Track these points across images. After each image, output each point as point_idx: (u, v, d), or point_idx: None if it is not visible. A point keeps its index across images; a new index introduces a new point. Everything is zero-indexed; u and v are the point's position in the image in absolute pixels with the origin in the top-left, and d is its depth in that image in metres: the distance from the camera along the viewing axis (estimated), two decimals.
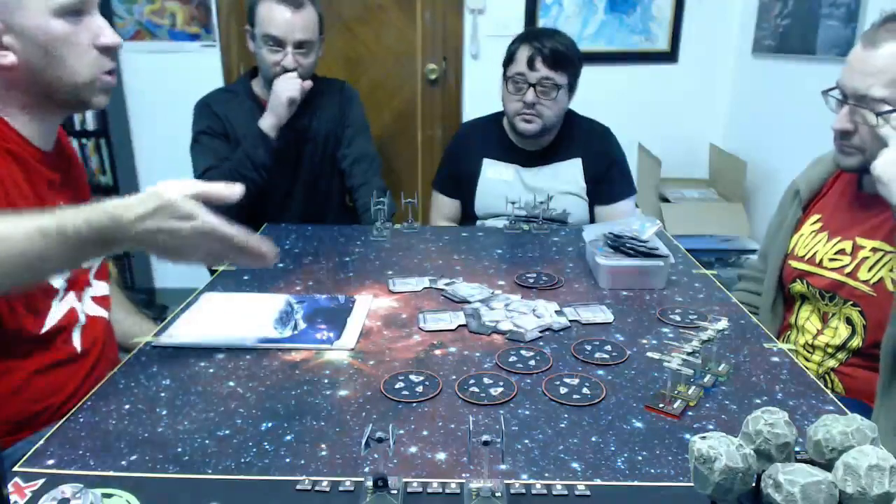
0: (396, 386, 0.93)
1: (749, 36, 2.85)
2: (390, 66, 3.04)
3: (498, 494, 0.69)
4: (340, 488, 0.72)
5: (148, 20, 2.93)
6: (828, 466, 0.56)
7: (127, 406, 0.89)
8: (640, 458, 0.78)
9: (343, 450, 0.79)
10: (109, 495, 0.70)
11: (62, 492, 0.65)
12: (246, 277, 1.35)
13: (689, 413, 0.87)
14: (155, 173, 3.09)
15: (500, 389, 0.92)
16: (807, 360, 1.32)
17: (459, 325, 1.12)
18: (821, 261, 1.31)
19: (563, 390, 0.92)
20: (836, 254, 1.29)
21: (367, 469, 0.75)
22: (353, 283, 1.32)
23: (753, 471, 0.57)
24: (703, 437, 0.58)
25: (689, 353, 0.95)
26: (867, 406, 1.19)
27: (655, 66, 3.03)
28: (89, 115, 2.84)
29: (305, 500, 0.71)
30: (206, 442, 0.81)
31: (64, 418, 0.86)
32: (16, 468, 0.75)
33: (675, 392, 0.90)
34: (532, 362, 1.00)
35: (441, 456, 0.78)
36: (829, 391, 0.94)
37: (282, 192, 1.94)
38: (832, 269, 1.28)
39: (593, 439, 0.82)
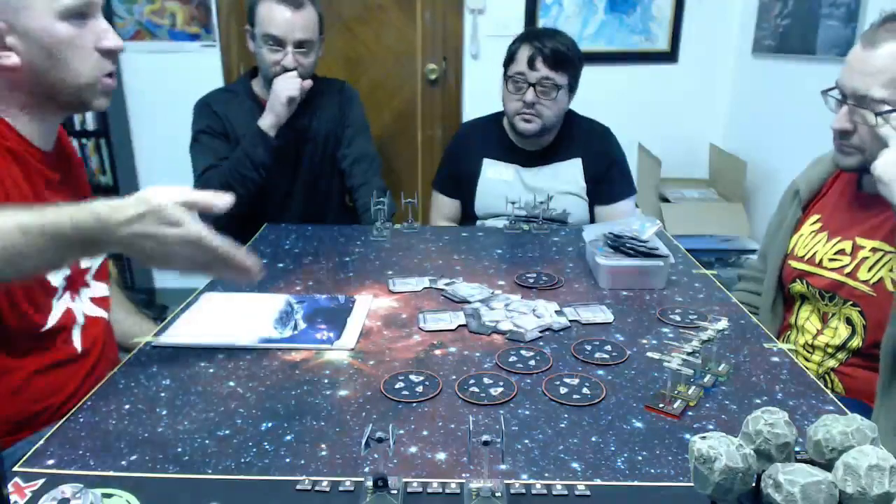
0: (396, 386, 0.93)
1: (749, 36, 2.85)
2: (390, 66, 3.04)
3: (498, 494, 0.69)
4: (340, 488, 0.72)
5: (148, 20, 2.93)
6: (828, 466, 0.56)
7: (127, 406, 0.89)
8: (640, 458, 0.78)
9: (343, 450, 0.79)
10: (109, 495, 0.70)
11: (62, 492, 0.65)
12: None
13: (689, 413, 0.87)
14: (155, 173, 3.09)
15: (500, 389, 0.92)
16: (807, 360, 1.32)
17: (459, 325, 1.12)
18: (820, 261, 1.31)
19: (563, 390, 0.92)
20: (835, 254, 1.29)
21: (367, 469, 0.75)
22: (353, 283, 1.32)
23: (753, 471, 0.57)
24: (703, 437, 0.58)
25: (689, 353, 0.95)
26: (867, 406, 1.19)
27: (655, 66, 3.03)
28: (89, 115, 2.84)
29: (305, 500, 0.71)
30: (206, 442, 0.81)
31: (64, 418, 0.86)
32: (16, 468, 0.75)
33: (675, 392, 0.90)
34: (532, 362, 1.00)
35: (441, 456, 0.78)
36: (829, 391, 0.94)
37: (282, 192, 1.94)
38: (832, 269, 1.28)
39: (593, 439, 0.82)
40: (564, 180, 1.87)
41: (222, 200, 0.89)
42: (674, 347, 0.99)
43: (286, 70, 1.78)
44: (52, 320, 1.03)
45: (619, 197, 1.89)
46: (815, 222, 1.37)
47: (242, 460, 0.77)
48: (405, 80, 3.06)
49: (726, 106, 3.08)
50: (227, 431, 0.83)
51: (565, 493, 0.72)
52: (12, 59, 0.95)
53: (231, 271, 0.91)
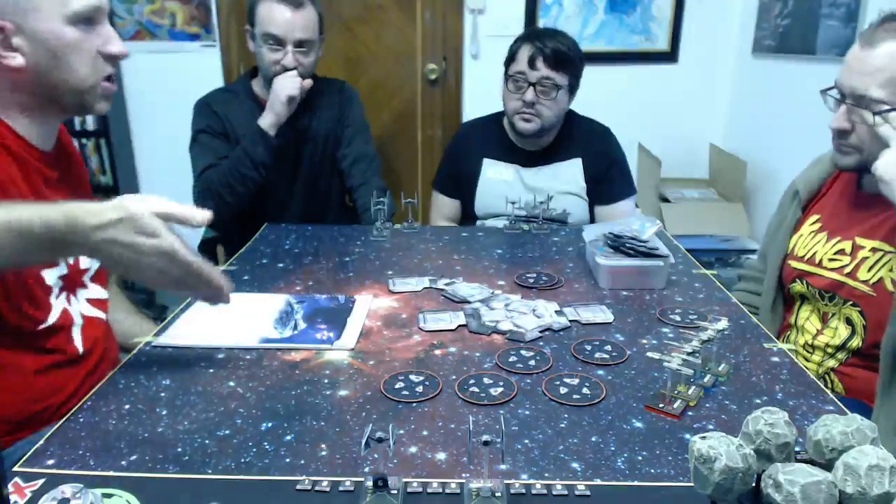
0: (396, 386, 0.93)
1: (749, 36, 2.85)
2: (390, 66, 3.05)
3: (498, 494, 0.69)
4: (340, 488, 0.72)
5: (148, 20, 2.93)
6: (828, 466, 0.56)
7: (127, 406, 0.89)
8: (640, 458, 0.78)
9: (343, 450, 0.79)
10: (109, 495, 0.70)
11: (62, 492, 0.65)
12: (246, 277, 1.35)
13: (689, 413, 0.87)
14: (155, 173, 3.09)
15: (500, 389, 0.92)
16: (807, 360, 1.32)
17: (459, 325, 1.12)
18: (820, 261, 1.31)
19: (563, 390, 0.92)
20: (835, 254, 1.29)
21: (367, 469, 0.75)
22: (353, 283, 1.32)
23: (753, 471, 0.57)
24: (703, 437, 0.58)
25: (689, 353, 0.95)
26: (867, 406, 1.19)
27: (655, 66, 3.03)
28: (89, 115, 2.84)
29: (305, 500, 0.71)
30: (206, 442, 0.81)
31: (64, 418, 0.86)
32: (16, 468, 0.75)
33: (675, 392, 0.90)
34: (532, 362, 1.00)
35: (441, 456, 0.78)
36: (829, 391, 0.94)
37: (282, 191, 1.94)
38: (832, 270, 1.28)
39: (593, 439, 0.82)
40: (564, 180, 1.87)
41: (201, 215, 0.87)
42: (674, 347, 0.99)
43: (286, 69, 1.78)
44: (52, 318, 1.03)
45: (619, 197, 1.89)
46: (814, 222, 1.37)
47: (242, 460, 0.77)
48: (405, 80, 3.06)
49: (726, 106, 3.08)
50: (227, 431, 0.83)
51: (565, 493, 0.72)
52: (17, 60, 0.96)
53: (202, 290, 0.90)
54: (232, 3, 2.91)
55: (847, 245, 1.28)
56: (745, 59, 2.92)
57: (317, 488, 0.72)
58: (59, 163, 1.10)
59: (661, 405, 0.88)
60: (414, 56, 3.02)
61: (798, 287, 1.35)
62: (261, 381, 0.95)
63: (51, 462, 0.77)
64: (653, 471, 0.76)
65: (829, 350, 1.29)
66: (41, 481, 0.72)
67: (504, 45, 1.86)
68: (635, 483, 0.74)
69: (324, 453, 0.78)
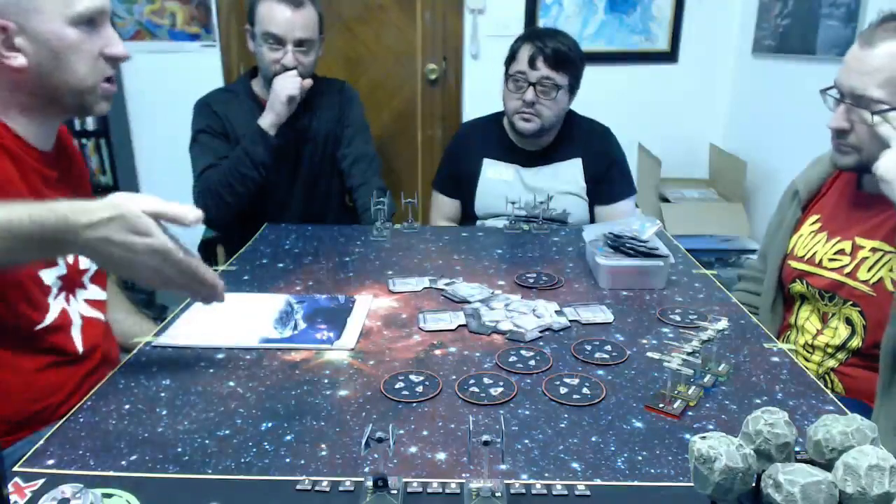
0: (396, 386, 0.93)
1: (749, 36, 2.85)
2: (390, 66, 3.04)
3: (498, 494, 0.69)
4: (340, 488, 0.72)
5: (148, 20, 2.93)
6: (828, 466, 0.56)
7: (127, 406, 0.89)
8: (640, 458, 0.78)
9: (343, 450, 0.79)
10: (109, 495, 0.70)
11: (62, 492, 0.65)
12: (246, 277, 1.35)
13: (689, 413, 0.87)
14: (155, 173, 3.09)
15: (500, 389, 0.92)
16: (807, 360, 1.32)
17: (459, 325, 1.12)
18: (820, 261, 1.31)
19: (563, 390, 0.92)
20: (835, 254, 1.29)
21: (367, 469, 0.75)
22: (353, 283, 1.32)
23: (753, 471, 0.57)
24: (703, 437, 0.58)
25: (689, 353, 0.95)
26: (867, 406, 1.19)
27: (655, 66, 3.03)
28: None
29: (305, 500, 0.71)
30: (206, 442, 0.81)
31: (64, 418, 0.86)
32: (16, 468, 0.75)
33: (675, 392, 0.90)
34: (532, 362, 1.00)
35: (441, 456, 0.78)
36: (829, 391, 0.94)
37: (282, 191, 1.94)
38: (832, 270, 1.28)
39: (593, 439, 0.82)
40: (564, 180, 1.87)
41: (193, 214, 0.87)
42: (674, 347, 0.99)
43: (286, 69, 1.78)
44: (49, 319, 1.03)
45: (619, 197, 1.89)
46: (814, 222, 1.37)
47: (242, 460, 0.77)
48: (405, 80, 3.06)
49: (726, 106, 3.08)
50: (227, 431, 0.83)
51: (565, 493, 0.72)
52: (19, 60, 0.96)
53: (195, 288, 0.90)
54: (232, 3, 2.91)
55: (847, 245, 1.28)
56: (745, 59, 2.91)
57: (317, 488, 0.72)
58: (60, 163, 1.10)
59: (661, 405, 0.88)
60: (414, 56, 3.02)
61: (798, 287, 1.35)
62: (261, 381, 0.95)
63: (51, 462, 0.77)
64: (653, 471, 0.76)
65: (829, 350, 1.29)
66: (41, 481, 0.72)
67: (504, 45, 1.86)
68: (635, 483, 0.74)
69: (324, 453, 0.78)
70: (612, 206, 1.88)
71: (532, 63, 1.73)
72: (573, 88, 1.82)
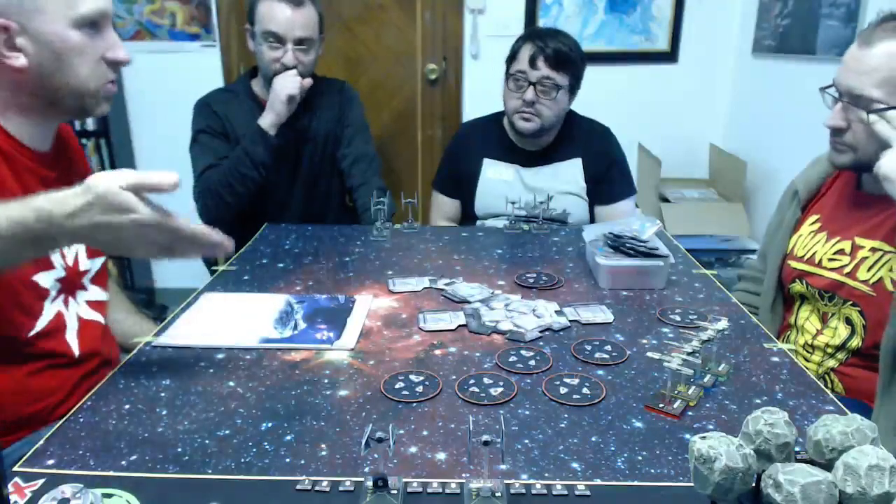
0: (396, 386, 0.93)
1: (749, 36, 2.85)
2: (390, 66, 3.04)
3: (498, 494, 0.69)
4: (340, 488, 0.72)
5: (148, 20, 2.93)
6: (828, 466, 0.56)
7: (127, 406, 0.89)
8: (640, 458, 0.78)
9: (343, 450, 0.79)
10: (109, 495, 0.70)
11: (62, 492, 0.65)
12: (246, 278, 1.35)
13: (689, 413, 0.87)
14: None
15: (500, 389, 0.92)
16: (806, 360, 1.32)
17: (459, 325, 1.12)
18: (820, 261, 1.31)
19: (563, 390, 0.92)
20: (835, 254, 1.29)
21: (367, 469, 0.75)
22: (353, 283, 1.32)
23: (753, 471, 0.57)
24: (703, 437, 0.58)
25: (689, 353, 0.95)
26: (867, 406, 1.19)
27: (655, 66, 3.03)
28: None
29: (305, 500, 0.71)
30: (206, 442, 0.81)
31: (64, 418, 0.85)
32: (16, 468, 0.75)
33: (675, 392, 0.90)
34: (532, 362, 1.00)
35: (441, 456, 0.78)
36: (829, 391, 0.94)
37: (282, 192, 1.94)
38: (831, 269, 1.28)
39: (593, 439, 0.82)
40: (564, 180, 1.87)
41: (169, 178, 0.82)
42: (674, 347, 0.99)
43: (286, 67, 1.78)
44: (42, 324, 1.03)
45: (619, 197, 1.89)
46: (814, 222, 1.37)
47: (242, 460, 0.77)
48: (405, 80, 3.06)
49: (726, 106, 3.08)
50: (227, 431, 0.83)
51: (565, 493, 0.72)
52: (20, 60, 0.96)
53: (196, 250, 0.88)
54: (232, 3, 2.91)
55: (846, 245, 1.28)
56: (745, 59, 2.91)
57: (317, 488, 0.72)
58: (59, 163, 1.10)
59: (661, 405, 0.88)
60: (414, 56, 3.02)
61: (798, 287, 1.35)
62: (261, 381, 0.95)
63: (51, 462, 0.77)
64: (653, 471, 0.76)
65: (829, 350, 1.29)
66: (41, 481, 0.72)
67: (504, 45, 1.86)
68: (635, 483, 0.74)
69: (324, 453, 0.78)
70: (612, 206, 1.88)
71: (533, 63, 1.73)
72: (573, 89, 1.81)
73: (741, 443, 0.58)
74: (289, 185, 1.95)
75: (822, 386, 0.95)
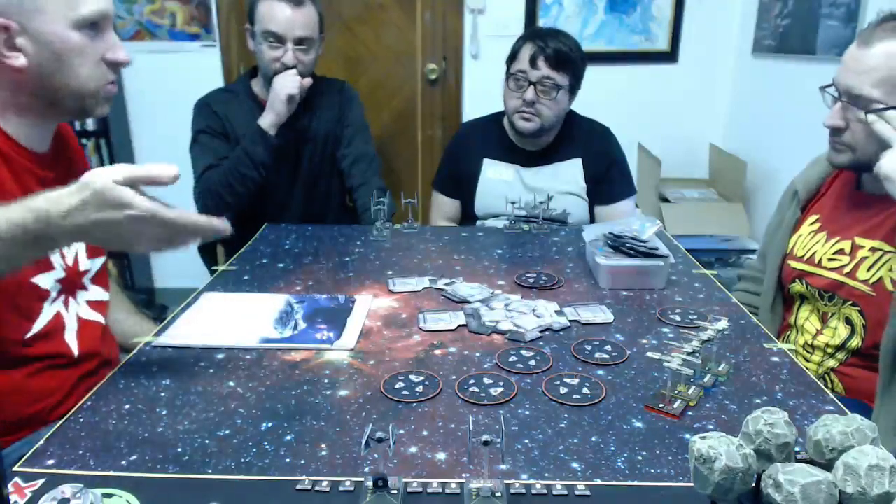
0: (396, 386, 0.93)
1: (749, 36, 2.85)
2: (390, 66, 3.04)
3: (498, 494, 0.69)
4: (340, 488, 0.72)
5: (148, 20, 2.93)
6: (828, 466, 0.56)
7: (127, 406, 0.89)
8: (640, 458, 0.78)
9: (343, 450, 0.79)
10: (109, 495, 0.70)
11: (62, 492, 0.65)
12: (246, 278, 1.35)
13: (689, 413, 0.87)
14: None
15: (500, 389, 0.92)
16: (806, 360, 1.32)
17: (459, 325, 1.12)
18: (820, 261, 1.31)
19: (563, 390, 0.92)
20: (834, 254, 1.29)
21: (367, 469, 0.75)
22: (353, 283, 1.32)
23: (753, 471, 0.57)
24: (703, 437, 0.58)
25: (689, 353, 0.95)
26: (867, 406, 1.19)
27: (655, 66, 3.03)
28: None
29: (305, 500, 0.71)
30: (206, 442, 0.81)
31: (64, 418, 0.85)
32: (16, 468, 0.75)
33: (675, 392, 0.90)
34: (532, 362, 1.00)
35: (441, 456, 0.78)
36: (829, 391, 0.94)
37: (282, 192, 1.94)
38: (831, 269, 1.28)
39: (593, 439, 0.82)
40: (564, 180, 1.87)
41: (169, 171, 0.82)
42: (674, 347, 0.99)
43: (286, 67, 1.78)
44: (39, 326, 1.03)
45: (619, 197, 1.89)
46: (813, 222, 1.37)
47: (242, 460, 0.77)
48: (405, 80, 3.06)
49: (726, 106, 3.08)
50: (227, 431, 0.83)
51: (565, 493, 0.72)
52: (20, 61, 0.96)
53: (195, 239, 0.87)
54: (232, 3, 2.91)
55: (846, 245, 1.28)
56: (745, 59, 2.91)
57: (317, 488, 0.72)
58: (58, 163, 1.10)
59: (661, 405, 0.88)
60: (414, 56, 3.02)
61: (797, 287, 1.35)
62: (261, 381, 0.95)
63: (51, 462, 0.77)
64: (653, 471, 0.76)
65: (829, 350, 1.29)
66: (41, 481, 0.72)
67: (504, 45, 1.86)
68: (635, 483, 0.74)
69: (324, 453, 0.78)
70: (612, 206, 1.88)
71: (533, 62, 1.73)
72: (574, 89, 1.81)
73: (741, 443, 0.58)
74: (289, 185, 1.95)
75: (822, 386, 0.95)
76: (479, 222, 1.92)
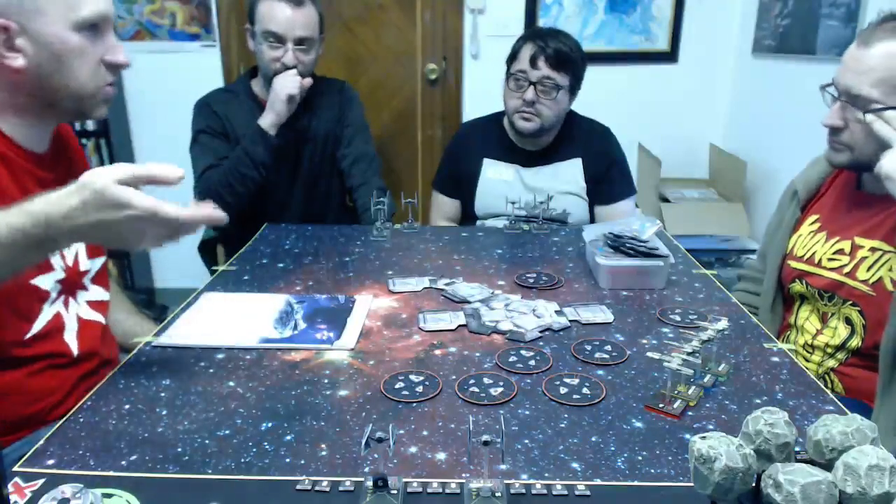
0: (396, 386, 0.93)
1: (749, 36, 2.85)
2: (390, 66, 3.04)
3: (498, 494, 0.69)
4: (340, 488, 0.72)
5: (148, 20, 2.93)
6: (828, 466, 0.56)
7: (127, 406, 0.89)
8: (640, 458, 0.78)
9: (343, 450, 0.79)
10: (109, 495, 0.70)
11: (62, 492, 0.65)
12: (246, 278, 1.35)
13: (689, 413, 0.87)
14: None
15: (500, 389, 0.92)
16: (806, 360, 1.32)
17: (459, 325, 1.12)
18: (819, 261, 1.31)
19: (563, 390, 0.92)
20: (834, 254, 1.29)
21: (367, 469, 0.75)
22: (353, 283, 1.32)
23: (753, 471, 0.57)
24: (703, 437, 0.58)
25: (689, 353, 0.95)
26: (867, 406, 1.19)
27: (655, 66, 3.03)
28: None
29: (305, 500, 0.71)
30: (206, 442, 0.81)
31: (64, 418, 0.85)
32: (16, 468, 0.75)
33: (675, 392, 0.90)
34: (532, 362, 1.00)
35: (441, 456, 0.78)
36: (829, 391, 0.94)
37: (282, 192, 1.94)
38: (831, 269, 1.28)
39: (593, 439, 0.82)
40: (564, 180, 1.87)
41: (174, 172, 0.82)
42: (674, 347, 0.99)
43: (286, 67, 1.78)
44: (38, 327, 1.02)
45: (619, 197, 1.89)
46: (813, 222, 1.37)
47: (242, 460, 0.77)
48: (405, 80, 3.06)
49: (726, 106, 3.08)
50: (227, 431, 0.83)
51: (565, 493, 0.72)
52: (19, 61, 0.96)
53: (195, 231, 0.88)
54: (232, 3, 2.91)
55: (846, 245, 1.28)
56: (745, 59, 2.91)
57: (317, 488, 0.72)
58: (57, 164, 1.09)
59: (661, 405, 0.88)
60: (414, 56, 3.02)
61: (797, 287, 1.35)
62: (261, 381, 0.95)
63: (51, 462, 0.77)
64: (653, 471, 0.76)
65: (829, 350, 1.29)
66: (41, 481, 0.72)
67: (504, 45, 1.86)
68: (635, 483, 0.74)
69: (324, 453, 0.78)
70: (612, 206, 1.88)
71: (533, 62, 1.73)
72: (574, 89, 1.81)
73: (741, 443, 0.58)
74: (289, 185, 1.95)
75: (822, 386, 0.95)
76: (479, 222, 1.92)
